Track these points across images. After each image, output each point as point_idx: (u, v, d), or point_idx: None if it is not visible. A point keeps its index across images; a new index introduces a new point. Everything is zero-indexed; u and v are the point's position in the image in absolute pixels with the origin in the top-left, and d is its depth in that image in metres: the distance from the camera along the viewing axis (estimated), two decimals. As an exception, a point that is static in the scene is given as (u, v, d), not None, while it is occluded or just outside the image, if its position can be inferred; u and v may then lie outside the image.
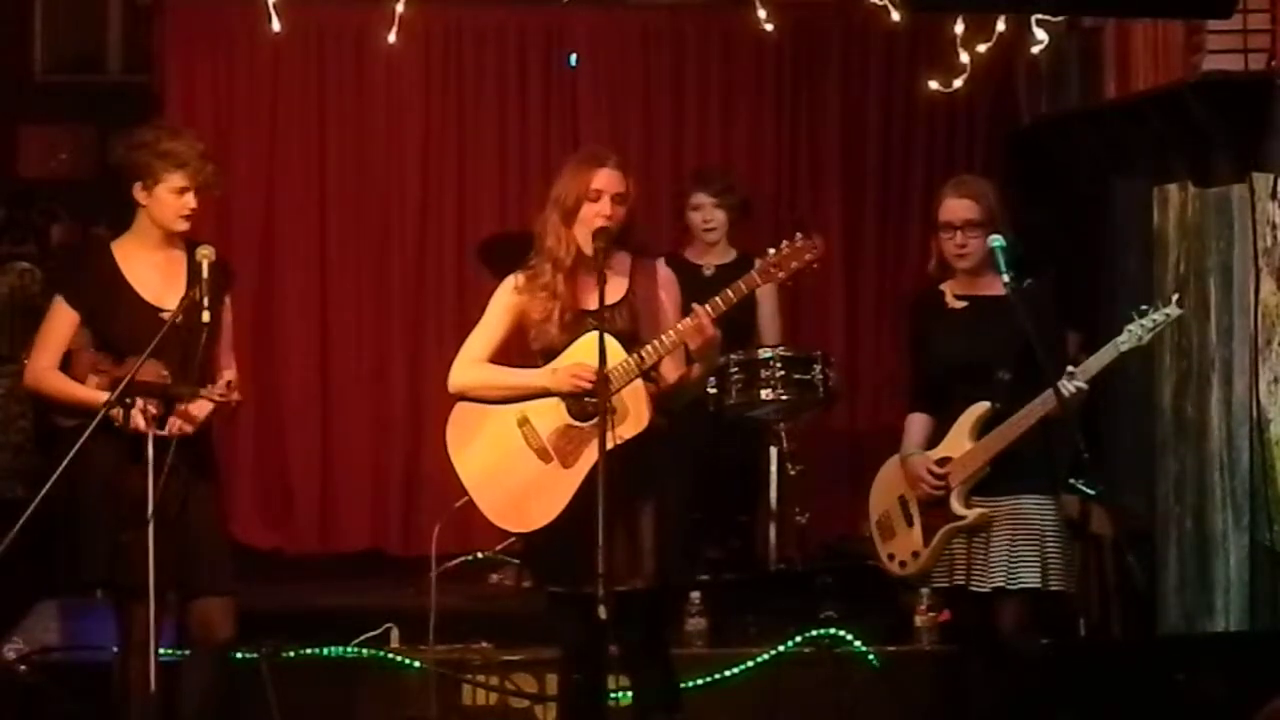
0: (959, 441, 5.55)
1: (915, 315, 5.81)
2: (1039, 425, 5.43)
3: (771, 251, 5.25)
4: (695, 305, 5.11)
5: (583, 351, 5.15)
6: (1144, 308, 5.44)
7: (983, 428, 5.53)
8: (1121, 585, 6.88)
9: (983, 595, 5.53)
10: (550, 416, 5.24)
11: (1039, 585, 5.48)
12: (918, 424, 5.70)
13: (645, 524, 5.19)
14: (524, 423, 5.26)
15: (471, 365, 5.35)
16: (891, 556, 5.73)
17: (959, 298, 5.66)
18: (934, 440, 5.63)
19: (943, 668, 6.30)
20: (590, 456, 5.10)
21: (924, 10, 6.91)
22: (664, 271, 5.37)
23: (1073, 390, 5.38)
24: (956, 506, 5.54)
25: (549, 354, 5.26)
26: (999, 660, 5.56)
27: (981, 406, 5.53)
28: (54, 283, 5.89)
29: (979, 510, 5.52)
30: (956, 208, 5.60)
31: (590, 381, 5.10)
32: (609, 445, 4.97)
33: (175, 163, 5.44)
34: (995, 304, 5.53)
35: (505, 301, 5.37)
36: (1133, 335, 5.41)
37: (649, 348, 5.13)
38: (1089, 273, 7.75)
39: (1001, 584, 5.48)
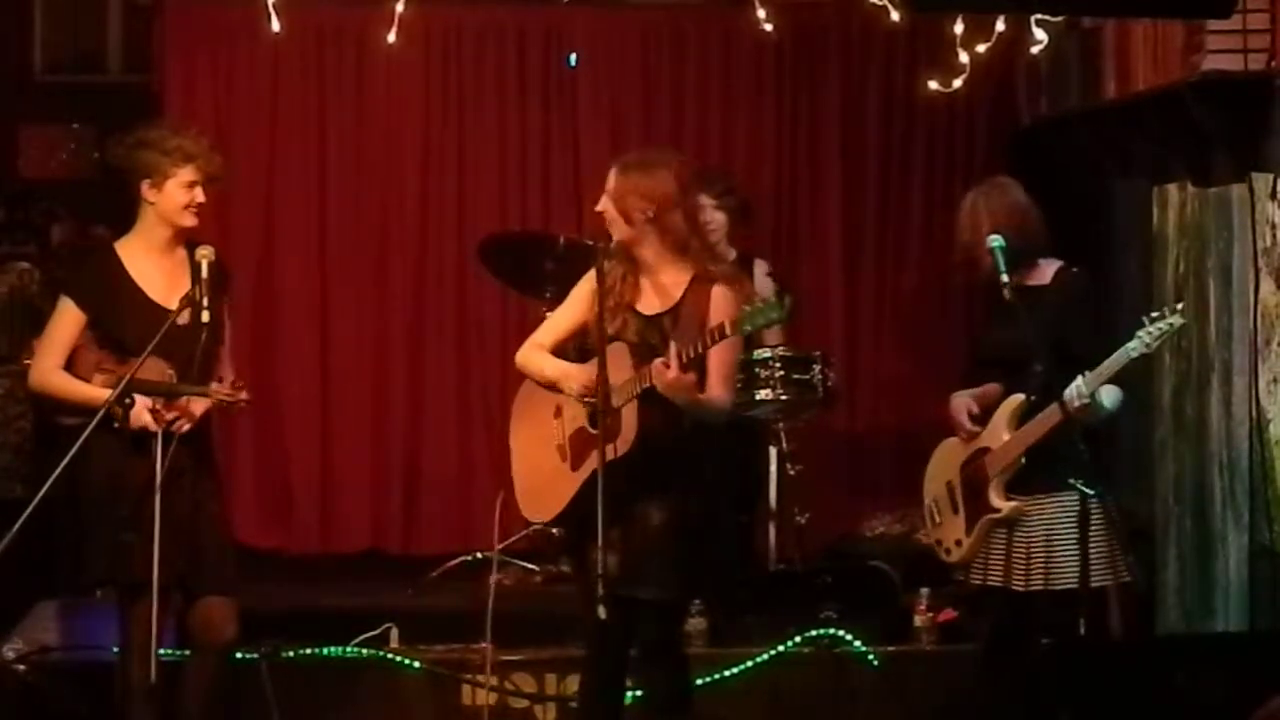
0: (997, 433, 5.58)
1: (983, 299, 5.85)
2: (1065, 424, 5.39)
3: (745, 309, 5.16)
4: (673, 344, 5.00)
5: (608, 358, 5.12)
6: (1152, 315, 5.41)
7: (1019, 420, 5.54)
8: (1122, 585, 6.86)
9: (1021, 595, 5.54)
10: (575, 416, 5.26)
11: (1076, 585, 5.43)
12: (961, 396, 5.71)
13: (648, 538, 5.13)
14: (558, 414, 5.31)
15: (530, 347, 5.40)
16: (939, 543, 5.78)
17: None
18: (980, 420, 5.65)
19: (943, 668, 6.29)
20: (592, 463, 5.11)
21: (924, 10, 6.91)
22: (719, 291, 5.19)
23: (1079, 405, 5.35)
24: (994, 498, 5.56)
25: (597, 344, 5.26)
26: (1029, 661, 5.61)
27: (1017, 399, 5.55)
28: (60, 283, 5.88)
29: (1013, 504, 5.53)
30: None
31: (586, 394, 5.13)
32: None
33: (184, 157, 5.45)
34: (1036, 294, 5.55)
35: (578, 291, 5.38)
36: (1141, 342, 5.37)
37: (644, 370, 5.08)
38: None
39: (1041, 585, 5.49)
